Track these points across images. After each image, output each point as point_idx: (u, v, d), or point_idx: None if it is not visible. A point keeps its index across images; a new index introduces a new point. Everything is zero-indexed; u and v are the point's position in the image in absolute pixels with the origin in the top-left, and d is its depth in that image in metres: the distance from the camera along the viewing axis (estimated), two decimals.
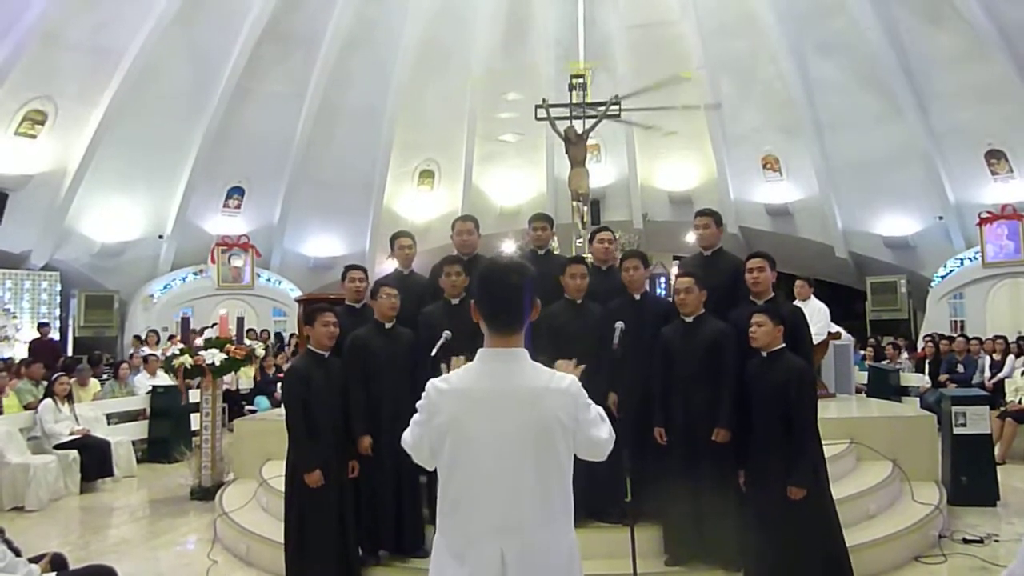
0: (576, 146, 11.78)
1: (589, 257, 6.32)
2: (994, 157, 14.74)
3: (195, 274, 16.26)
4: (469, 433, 2.13)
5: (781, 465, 4.13)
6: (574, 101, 12.09)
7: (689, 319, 4.65)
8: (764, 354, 4.28)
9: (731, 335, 4.53)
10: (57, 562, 3.89)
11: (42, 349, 12.76)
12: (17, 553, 3.69)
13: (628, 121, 13.09)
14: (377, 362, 4.76)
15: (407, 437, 2.30)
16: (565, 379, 2.18)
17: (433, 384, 2.21)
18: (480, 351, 2.23)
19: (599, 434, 2.21)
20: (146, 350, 12.53)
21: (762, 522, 4.21)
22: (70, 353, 14.25)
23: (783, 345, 4.27)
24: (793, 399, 4.12)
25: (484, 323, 2.22)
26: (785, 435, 4.13)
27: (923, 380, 11.08)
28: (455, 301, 4.89)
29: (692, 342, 4.60)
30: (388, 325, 4.90)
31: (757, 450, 4.28)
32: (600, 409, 2.26)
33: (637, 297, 5.00)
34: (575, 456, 2.22)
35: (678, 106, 13.48)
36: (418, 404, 2.24)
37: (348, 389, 4.71)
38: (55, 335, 14.34)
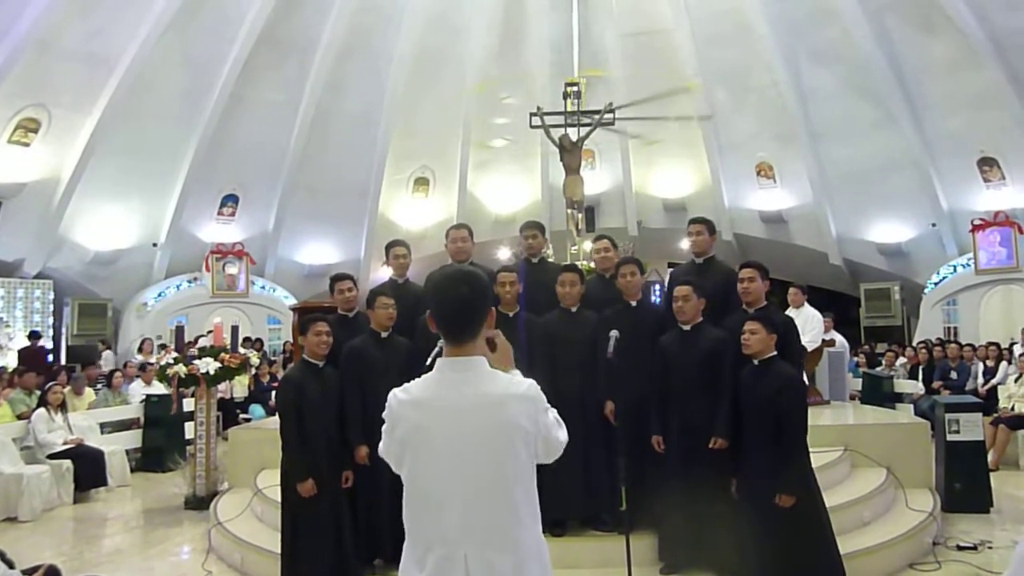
0: (571, 154, 11.82)
1: (585, 264, 6.35)
2: (987, 164, 14.80)
3: (189, 282, 16.22)
4: (430, 442, 2.15)
5: (772, 472, 4.14)
6: (569, 109, 12.12)
7: (687, 327, 4.66)
8: (756, 362, 4.30)
9: (729, 343, 4.54)
10: (51, 574, 3.87)
11: (30, 358, 12.70)
12: (10, 565, 3.67)
13: (616, 130, 13.13)
14: (374, 371, 4.75)
15: (381, 447, 2.33)
16: (523, 384, 2.19)
17: (394, 394, 2.25)
18: (438, 360, 2.25)
19: (558, 437, 2.22)
20: (139, 358, 12.50)
21: (755, 529, 4.22)
22: (63, 362, 14.19)
23: (775, 353, 4.29)
24: (784, 407, 4.14)
25: (440, 334, 2.25)
26: (776, 443, 4.15)
27: (917, 387, 11.10)
28: None
29: (690, 350, 4.61)
30: (384, 334, 4.91)
31: (748, 457, 4.30)
32: (556, 412, 2.27)
33: (633, 304, 5.01)
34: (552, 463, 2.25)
35: (672, 117, 13.53)
36: (384, 415, 2.25)
37: (344, 398, 4.72)
38: (48, 343, 14.27)
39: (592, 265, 6.49)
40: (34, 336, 13.58)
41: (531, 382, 2.21)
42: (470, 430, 2.12)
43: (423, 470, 2.16)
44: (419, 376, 3.53)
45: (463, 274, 2.28)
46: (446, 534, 2.11)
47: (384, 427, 2.27)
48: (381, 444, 2.31)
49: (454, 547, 2.09)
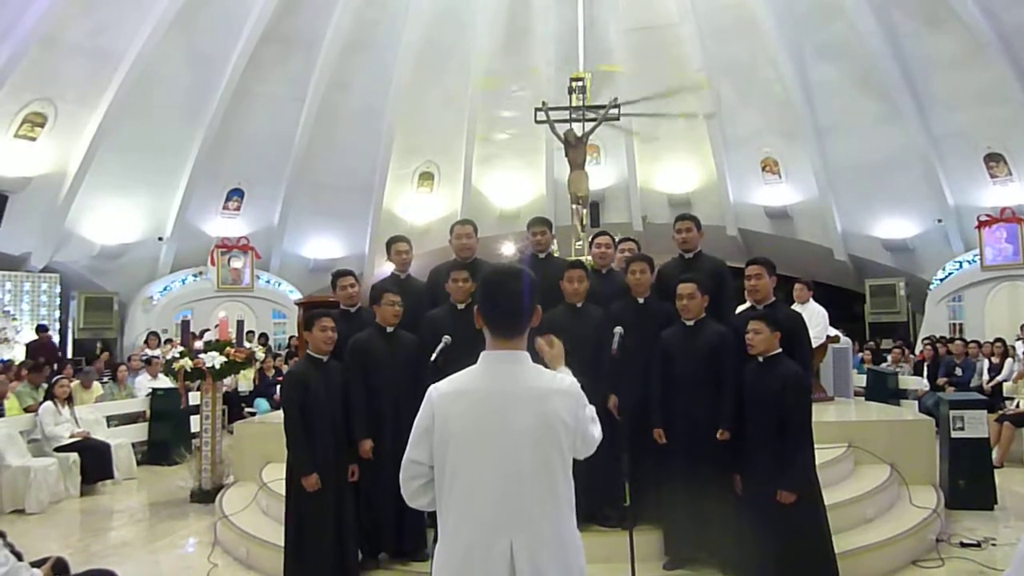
0: (575, 149, 11.79)
1: (588, 260, 6.33)
2: (993, 160, 14.75)
3: (195, 276, 16.26)
4: (474, 432, 2.18)
5: (775, 469, 4.15)
6: (573, 104, 12.10)
7: (690, 323, 4.68)
8: (760, 359, 4.31)
9: (731, 339, 4.56)
10: (59, 567, 3.89)
11: (39, 351, 12.75)
12: (19, 557, 3.70)
13: (620, 126, 13.10)
14: (379, 366, 4.79)
15: (412, 454, 2.26)
16: (566, 379, 2.27)
17: (435, 387, 2.26)
18: (483, 354, 2.28)
19: (594, 433, 2.32)
20: (147, 352, 12.55)
21: (756, 525, 4.23)
22: (70, 355, 14.25)
23: (779, 350, 4.30)
24: (787, 404, 4.15)
25: (487, 327, 2.28)
26: (779, 439, 4.16)
27: (921, 383, 11.10)
28: (461, 306, 4.91)
29: (693, 346, 4.63)
30: (390, 330, 4.92)
31: (751, 454, 4.31)
32: (592, 409, 2.35)
33: (641, 301, 5.01)
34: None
35: (677, 113, 13.51)
36: (418, 417, 2.25)
37: (349, 393, 4.74)
38: (55, 336, 14.32)
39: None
40: (42, 329, 13.63)
41: (573, 379, 2.29)
42: (515, 422, 2.16)
43: (466, 460, 2.18)
44: (424, 371, 3.55)
45: (515, 271, 2.35)
46: (490, 525, 2.14)
47: (416, 430, 2.24)
48: (411, 450, 2.26)
49: (498, 537, 2.12)
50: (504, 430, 2.16)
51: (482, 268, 4.89)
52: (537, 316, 2.30)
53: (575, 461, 2.32)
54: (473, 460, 2.17)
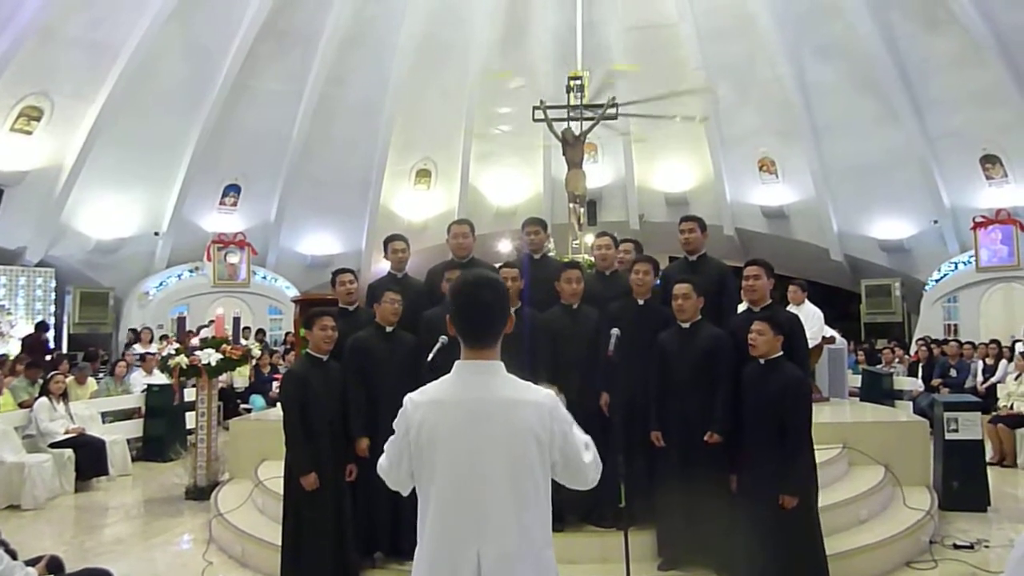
0: (573, 147, 11.78)
1: (587, 259, 6.33)
2: (989, 162, 14.79)
3: (191, 271, 16.23)
4: (446, 443, 2.17)
5: (773, 472, 4.16)
6: (571, 103, 12.09)
7: (686, 325, 4.68)
8: (762, 362, 4.31)
9: (727, 341, 4.57)
10: (53, 565, 3.89)
11: (33, 346, 12.71)
12: (13, 555, 3.69)
13: (616, 127, 13.10)
14: (377, 365, 4.80)
15: (383, 462, 2.34)
16: (540, 392, 2.23)
17: (409, 398, 2.26)
18: (456, 363, 2.27)
19: (581, 457, 2.23)
20: (139, 348, 12.53)
21: (751, 527, 4.24)
22: (65, 350, 14.21)
23: (781, 353, 4.30)
24: (788, 408, 4.15)
25: (459, 337, 2.27)
26: (778, 442, 4.16)
27: (916, 384, 11.13)
28: None
29: (688, 348, 4.63)
30: (389, 329, 4.93)
31: (750, 456, 4.31)
32: (587, 438, 2.28)
33: (641, 302, 5.01)
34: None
35: (676, 115, 13.51)
36: (395, 423, 2.27)
37: (347, 391, 4.74)
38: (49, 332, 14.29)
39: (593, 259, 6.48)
40: (41, 328, 13.56)
41: (550, 392, 2.24)
42: (484, 432, 2.15)
43: (438, 470, 2.18)
44: (421, 371, 3.56)
45: (486, 280, 2.31)
46: (459, 533, 2.14)
47: (392, 438, 2.29)
48: (385, 458, 2.32)
49: (466, 546, 2.12)
50: (473, 439, 2.15)
51: (478, 267, 4.89)
52: (510, 324, 2.30)
53: None
54: (444, 469, 2.17)
